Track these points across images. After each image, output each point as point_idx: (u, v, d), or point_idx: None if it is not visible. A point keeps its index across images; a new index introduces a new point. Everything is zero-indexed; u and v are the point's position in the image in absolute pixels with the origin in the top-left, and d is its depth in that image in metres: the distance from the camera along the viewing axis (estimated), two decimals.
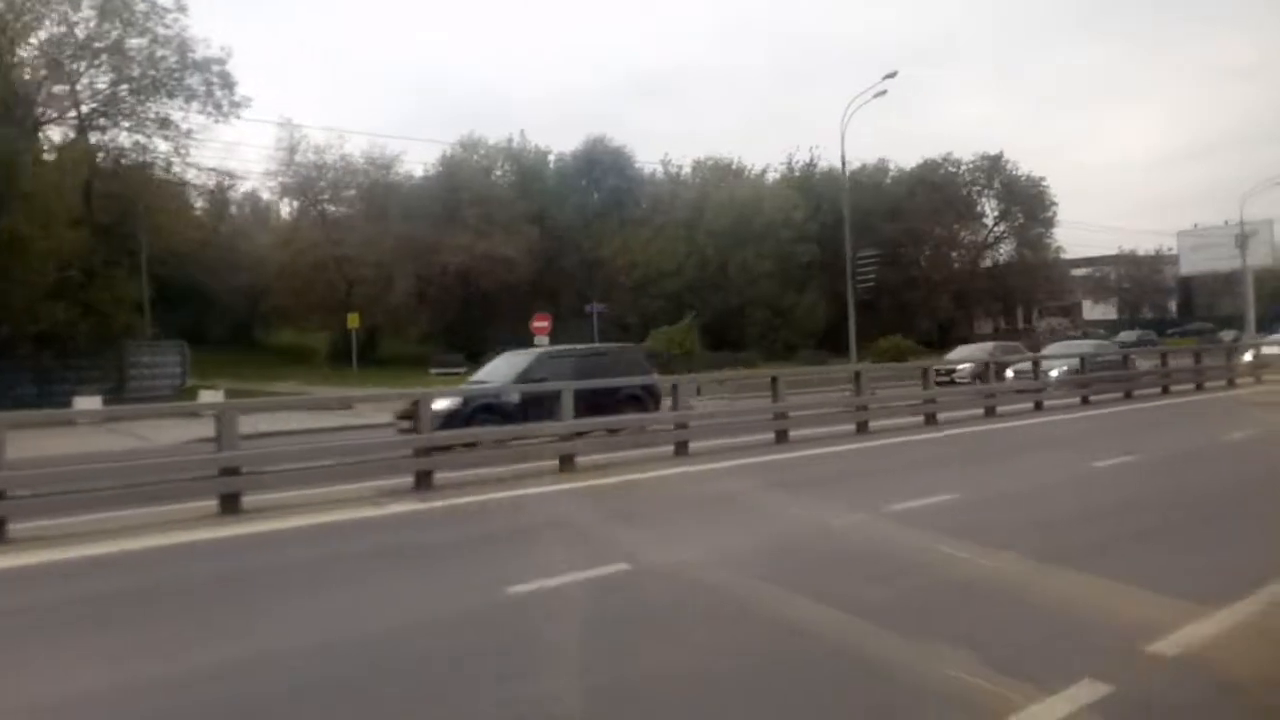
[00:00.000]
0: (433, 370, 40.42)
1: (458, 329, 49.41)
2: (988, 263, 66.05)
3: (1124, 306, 79.34)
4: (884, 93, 34.11)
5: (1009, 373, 23.70)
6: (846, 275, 37.74)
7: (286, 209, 51.08)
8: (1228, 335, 54.50)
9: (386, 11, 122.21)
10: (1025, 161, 66.07)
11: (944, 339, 52.74)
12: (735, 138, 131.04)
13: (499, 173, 55.86)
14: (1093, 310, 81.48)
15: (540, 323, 29.87)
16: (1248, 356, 30.57)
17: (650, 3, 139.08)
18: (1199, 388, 24.13)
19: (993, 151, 63.03)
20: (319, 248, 45.69)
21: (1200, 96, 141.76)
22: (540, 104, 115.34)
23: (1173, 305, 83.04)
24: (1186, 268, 61.08)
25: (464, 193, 48.44)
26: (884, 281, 54.61)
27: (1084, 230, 77.35)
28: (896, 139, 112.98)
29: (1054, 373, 22.78)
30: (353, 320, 41.08)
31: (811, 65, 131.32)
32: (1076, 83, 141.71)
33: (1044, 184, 62.44)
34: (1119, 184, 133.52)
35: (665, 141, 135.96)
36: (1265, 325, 50.64)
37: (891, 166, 62.02)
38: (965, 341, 49.78)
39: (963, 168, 63.60)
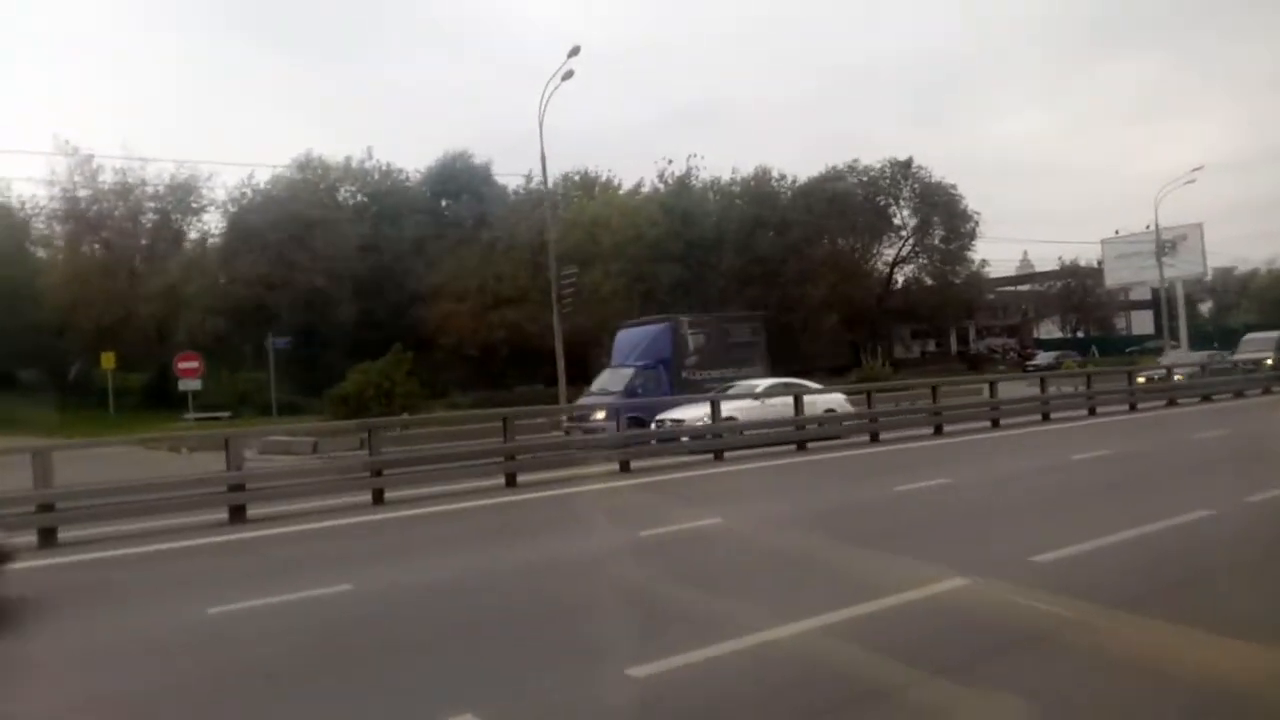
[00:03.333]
0: (190, 416, 34.84)
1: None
2: (903, 280, 60.14)
3: (1065, 324, 73.36)
4: (571, 74, 28.56)
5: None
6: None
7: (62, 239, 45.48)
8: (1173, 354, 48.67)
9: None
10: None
11: (842, 367, 47.05)
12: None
13: (344, 194, 50.94)
14: (1050, 330, 75.88)
15: (186, 363, 24.34)
16: (1140, 379, 27.19)
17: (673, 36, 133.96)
18: (1091, 412, 22.44)
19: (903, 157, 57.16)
20: (89, 282, 40.21)
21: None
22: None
23: (1124, 320, 77.07)
24: (1112, 279, 55.29)
25: (274, 217, 43.14)
26: (761, 301, 49.08)
27: (1018, 243, 71.46)
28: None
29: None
30: (106, 361, 35.75)
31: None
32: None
33: (956, 193, 56.47)
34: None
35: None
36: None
37: (784, 175, 56.22)
38: (841, 371, 44.40)
39: (871, 175, 57.72)
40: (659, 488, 13.18)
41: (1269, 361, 31.28)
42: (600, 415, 20.02)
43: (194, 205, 44.92)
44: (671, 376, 23.99)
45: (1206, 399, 25.58)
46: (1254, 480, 10.52)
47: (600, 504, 12.04)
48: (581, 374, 41.05)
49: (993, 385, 23.06)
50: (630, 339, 27.11)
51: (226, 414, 34.94)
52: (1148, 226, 49.91)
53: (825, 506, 11.13)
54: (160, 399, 39.01)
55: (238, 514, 11.26)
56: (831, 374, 43.11)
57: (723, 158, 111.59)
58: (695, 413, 17.58)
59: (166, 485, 11.72)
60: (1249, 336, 39.03)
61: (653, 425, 18.04)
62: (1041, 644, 5.52)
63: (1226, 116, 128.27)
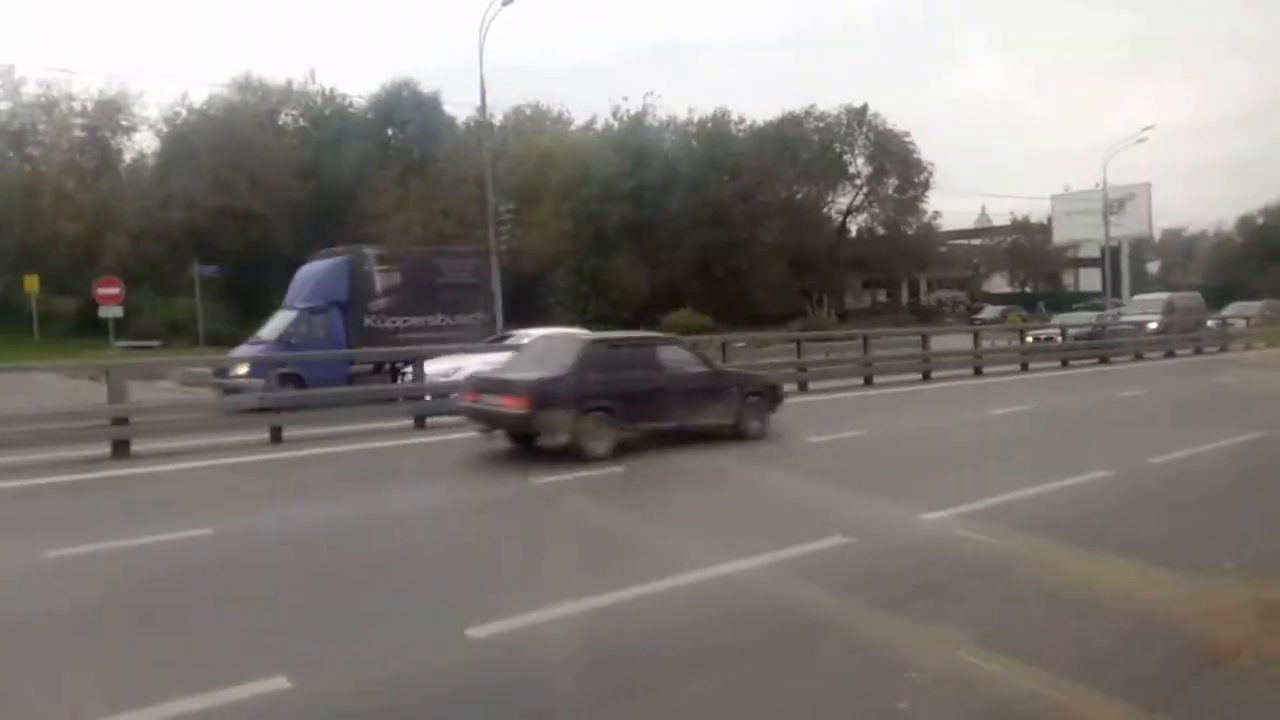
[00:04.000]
0: (118, 344, 33.71)
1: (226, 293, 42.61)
2: (856, 230, 60.05)
3: (1015, 279, 73.96)
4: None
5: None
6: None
7: None
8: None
9: None
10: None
11: (789, 315, 46.84)
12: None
13: (285, 118, 49.15)
14: (999, 284, 76.38)
15: (107, 289, 23.27)
16: (1029, 339, 26.15)
17: None
18: (1024, 368, 22.41)
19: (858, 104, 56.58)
20: (11, 200, 38.44)
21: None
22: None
23: (1073, 277, 77.83)
24: (1060, 235, 55.66)
25: (212, 139, 41.44)
26: (710, 246, 48.61)
27: (967, 196, 71.59)
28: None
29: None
30: (30, 284, 34.38)
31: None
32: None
33: (910, 142, 56.12)
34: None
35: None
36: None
37: (743, 119, 55.32)
38: (788, 319, 44.19)
39: (827, 121, 57.12)
40: None
41: (1152, 325, 29.12)
42: (242, 370, 16.44)
43: (124, 124, 42.97)
44: (349, 322, 19.54)
45: (1139, 358, 25.48)
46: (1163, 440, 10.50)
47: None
48: (528, 311, 40.53)
49: (925, 338, 23.11)
50: (304, 276, 21.63)
51: (157, 343, 33.88)
52: (1097, 184, 50.14)
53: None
54: (91, 326, 37.62)
55: (121, 449, 10.74)
56: (778, 322, 43.05)
57: (684, 99, 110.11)
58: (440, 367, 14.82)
59: (46, 417, 11.15)
60: (1139, 297, 37.56)
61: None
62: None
63: (1183, 80, 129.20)
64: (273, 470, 10.48)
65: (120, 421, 10.88)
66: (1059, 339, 25.90)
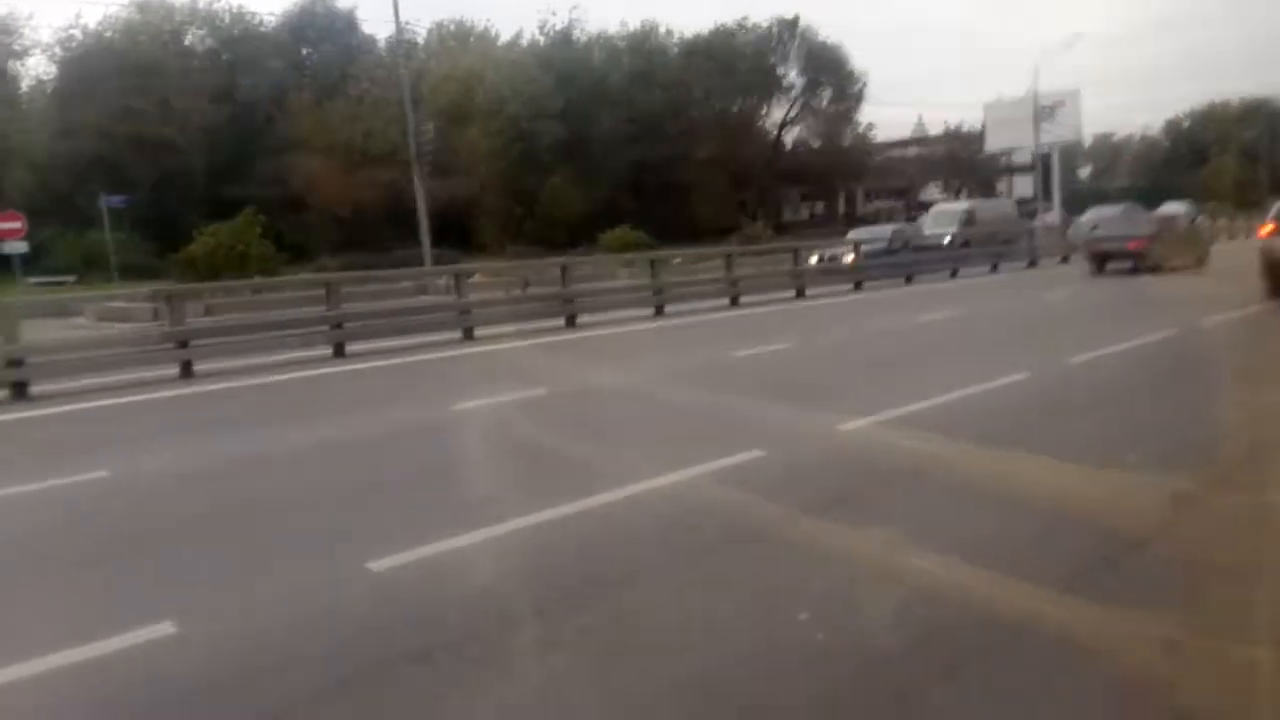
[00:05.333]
0: (29, 280, 32.15)
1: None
2: (791, 143, 59.58)
3: (949, 187, 74.28)
4: None
5: None
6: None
7: None
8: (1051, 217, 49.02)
9: None
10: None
11: (726, 229, 46.53)
12: None
13: (191, 38, 46.61)
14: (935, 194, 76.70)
15: (7, 224, 22.05)
16: (813, 260, 22.53)
17: None
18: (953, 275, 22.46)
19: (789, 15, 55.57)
20: None
21: None
22: None
23: (1006, 184, 78.49)
24: (992, 144, 55.88)
25: (112, 63, 39.12)
26: (645, 162, 47.89)
27: (903, 107, 71.42)
28: None
29: None
30: None
31: None
32: None
33: (843, 52, 55.50)
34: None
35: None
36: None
37: (673, 31, 54.06)
38: (727, 233, 43.92)
39: (759, 34, 56.08)
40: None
41: (946, 240, 26.48)
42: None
43: (15, 48, 40.33)
44: None
45: (954, 276, 22.98)
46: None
47: (430, 374, 11.40)
48: (459, 237, 39.60)
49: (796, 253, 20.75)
50: None
51: (71, 279, 32.44)
52: (1028, 92, 50.16)
53: (679, 369, 10.71)
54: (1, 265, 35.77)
55: (18, 390, 10.19)
56: (717, 236, 42.80)
57: (614, 11, 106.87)
58: None
59: None
60: (937, 209, 33.68)
61: None
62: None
63: None
64: (179, 407, 10.04)
65: (15, 363, 10.28)
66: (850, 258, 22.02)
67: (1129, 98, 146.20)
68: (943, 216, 29.98)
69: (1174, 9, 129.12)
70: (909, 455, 6.38)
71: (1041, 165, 50.54)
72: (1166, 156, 79.32)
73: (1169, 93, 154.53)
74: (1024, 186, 74.09)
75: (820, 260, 22.62)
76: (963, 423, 7.11)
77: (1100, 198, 54.38)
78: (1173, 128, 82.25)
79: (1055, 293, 17.99)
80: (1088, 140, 67.67)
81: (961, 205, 32.03)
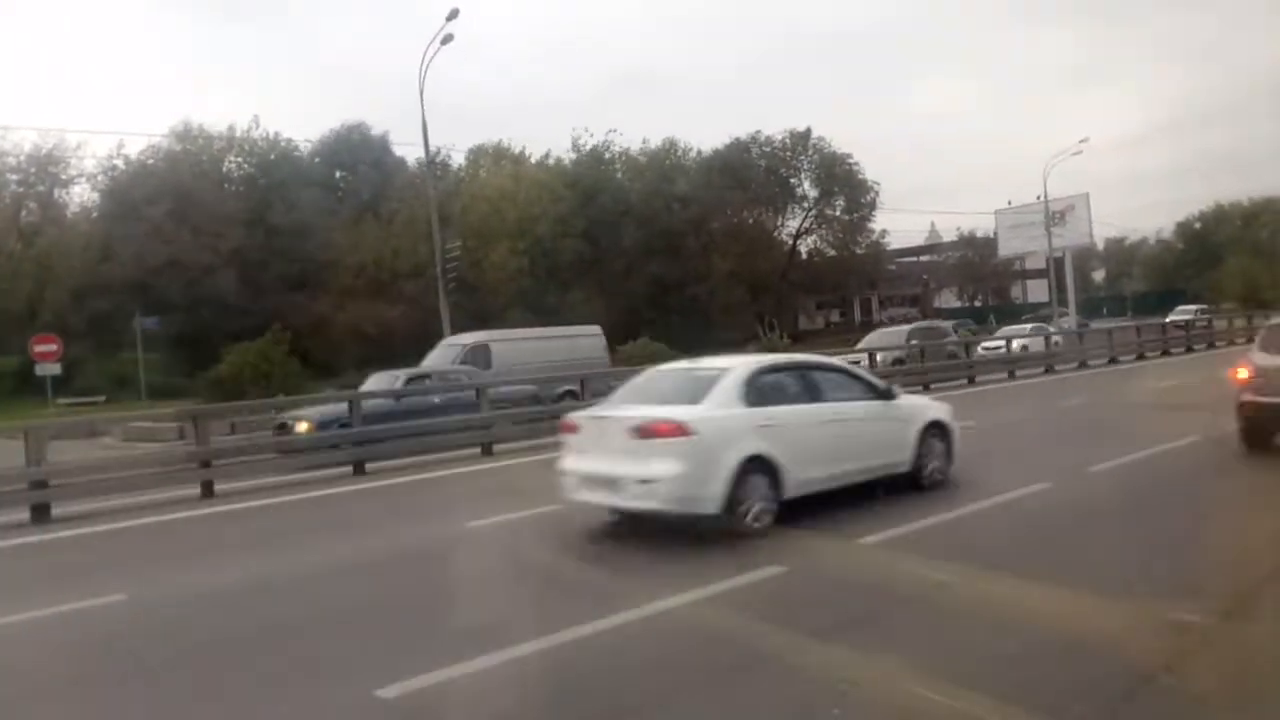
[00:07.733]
0: (59, 401, 32.81)
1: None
2: (806, 252, 60.61)
3: (964, 293, 75.14)
4: (450, 38, 27.73)
5: None
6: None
7: None
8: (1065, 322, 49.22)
9: None
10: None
11: (744, 340, 46.96)
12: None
13: (229, 165, 48.64)
14: (950, 299, 77.33)
15: (43, 346, 22.72)
16: None
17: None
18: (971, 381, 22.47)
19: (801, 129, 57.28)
20: None
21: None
22: None
23: (1020, 289, 79.03)
24: (1005, 249, 56.61)
25: (151, 190, 40.84)
26: (664, 276, 48.85)
27: (916, 214, 72.77)
28: None
29: None
30: None
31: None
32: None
33: (854, 163, 56.98)
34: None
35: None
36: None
37: (691, 148, 55.89)
38: (745, 343, 44.26)
39: (773, 146, 57.78)
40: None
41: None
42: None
43: (62, 177, 42.31)
44: None
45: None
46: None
47: (451, 491, 11.48)
48: None
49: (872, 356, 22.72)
50: None
51: (100, 399, 33.06)
52: (1038, 197, 51.09)
53: None
54: (32, 386, 36.53)
55: (40, 513, 10.35)
56: (734, 347, 43.12)
57: (644, 131, 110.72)
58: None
59: None
60: (881, 331, 32.88)
61: None
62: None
63: (1118, 92, 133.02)
64: (199, 527, 10.14)
65: (39, 485, 10.48)
66: None
67: (1143, 200, 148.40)
68: (889, 337, 29.37)
69: (1179, 109, 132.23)
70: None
71: (1055, 269, 50.96)
72: (1179, 259, 79.70)
73: (1182, 193, 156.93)
74: (1039, 291, 74.79)
75: None
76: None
77: (1117, 301, 54.58)
78: (1184, 229, 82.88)
79: None
80: (1100, 243, 68.35)
81: (904, 329, 31.10)
